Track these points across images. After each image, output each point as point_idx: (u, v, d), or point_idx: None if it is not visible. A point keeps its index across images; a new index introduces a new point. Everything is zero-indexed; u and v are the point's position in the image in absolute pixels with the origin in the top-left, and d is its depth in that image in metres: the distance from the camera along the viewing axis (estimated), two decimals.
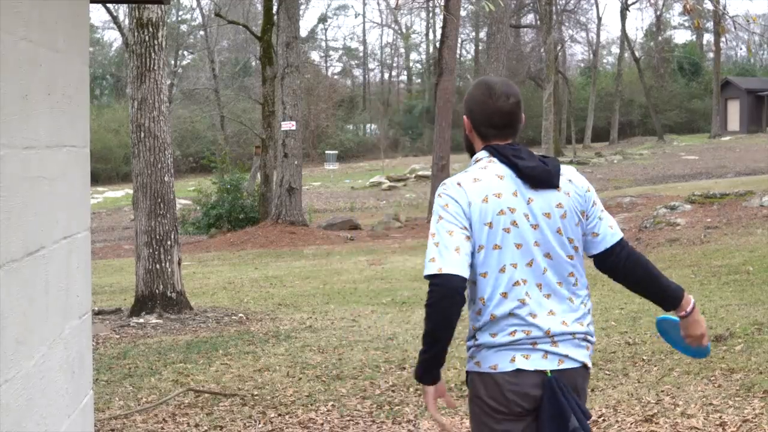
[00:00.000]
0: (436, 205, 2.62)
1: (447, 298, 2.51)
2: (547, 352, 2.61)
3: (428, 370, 2.62)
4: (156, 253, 9.50)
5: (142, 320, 9.11)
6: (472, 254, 2.58)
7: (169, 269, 9.54)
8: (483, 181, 2.62)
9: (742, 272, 9.88)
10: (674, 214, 15.71)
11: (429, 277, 2.54)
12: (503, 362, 2.60)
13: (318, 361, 6.89)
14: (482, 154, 2.71)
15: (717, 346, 6.43)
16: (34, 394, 2.46)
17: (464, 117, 2.76)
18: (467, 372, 2.72)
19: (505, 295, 2.59)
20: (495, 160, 2.66)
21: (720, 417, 4.91)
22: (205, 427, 5.31)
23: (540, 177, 2.63)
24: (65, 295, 2.79)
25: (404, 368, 6.52)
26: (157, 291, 9.48)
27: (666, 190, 22.36)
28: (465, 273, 2.54)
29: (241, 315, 9.40)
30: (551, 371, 2.60)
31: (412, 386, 6.01)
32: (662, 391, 5.48)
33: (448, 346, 2.60)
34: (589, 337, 2.72)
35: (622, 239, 2.79)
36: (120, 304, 10.37)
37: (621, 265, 2.79)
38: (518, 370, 2.59)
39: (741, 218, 14.39)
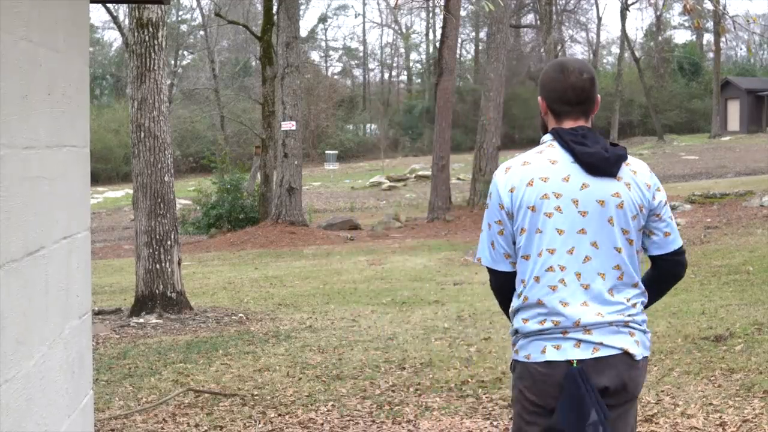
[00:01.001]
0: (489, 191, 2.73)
1: (495, 289, 2.79)
2: (579, 340, 2.54)
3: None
4: (156, 253, 9.50)
5: (142, 320, 9.11)
6: (515, 239, 2.64)
7: (169, 269, 9.54)
8: (532, 164, 2.62)
9: (742, 272, 9.89)
10: (674, 213, 15.71)
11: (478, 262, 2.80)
12: (535, 352, 2.58)
13: (318, 361, 6.89)
14: (546, 137, 2.71)
15: (717, 346, 6.43)
16: (34, 394, 2.46)
17: (539, 98, 2.74)
18: (512, 359, 2.73)
19: (537, 279, 2.58)
20: (555, 144, 2.65)
21: (720, 417, 4.91)
22: (205, 427, 5.31)
23: (597, 164, 2.59)
24: (65, 295, 2.79)
25: (404, 368, 6.52)
26: (157, 291, 9.48)
27: (666, 190, 22.36)
28: (501, 267, 2.68)
29: (241, 315, 9.40)
30: (583, 360, 2.52)
31: (412, 386, 6.01)
32: (662, 391, 5.48)
33: None
34: (633, 324, 2.59)
35: (679, 249, 2.75)
36: (120, 304, 10.37)
37: (658, 273, 2.78)
38: (548, 362, 2.55)
39: (741, 218, 14.40)
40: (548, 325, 2.56)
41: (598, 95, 2.71)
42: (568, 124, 2.67)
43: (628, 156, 2.66)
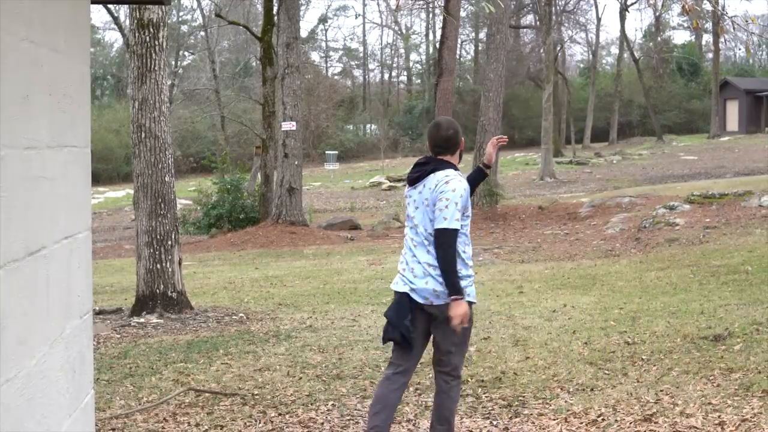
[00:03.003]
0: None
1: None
2: None
3: None
4: (157, 253, 9.51)
5: (142, 320, 9.12)
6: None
7: (170, 269, 9.55)
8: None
9: (741, 272, 9.90)
10: (673, 214, 15.72)
11: None
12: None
13: (318, 360, 6.90)
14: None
15: (716, 346, 6.44)
16: (35, 394, 2.47)
17: (461, 140, 4.42)
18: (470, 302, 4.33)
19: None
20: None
21: (719, 416, 4.92)
22: (206, 427, 5.32)
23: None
24: (66, 294, 2.80)
25: None
26: (157, 291, 9.49)
27: (665, 190, 22.36)
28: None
29: (241, 315, 9.41)
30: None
31: (411, 386, 6.02)
32: (661, 391, 5.50)
33: None
34: None
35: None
36: (121, 304, 10.38)
37: None
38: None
39: (740, 218, 14.41)
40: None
41: (462, 138, 4.41)
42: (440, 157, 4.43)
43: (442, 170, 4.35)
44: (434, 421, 4.47)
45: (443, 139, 4.37)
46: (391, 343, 4.49)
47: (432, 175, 4.33)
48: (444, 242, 4.20)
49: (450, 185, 4.24)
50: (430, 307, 4.29)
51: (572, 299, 9.27)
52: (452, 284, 4.19)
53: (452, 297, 4.19)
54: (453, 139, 4.37)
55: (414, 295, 4.29)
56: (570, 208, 21.17)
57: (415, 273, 4.31)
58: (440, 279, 4.22)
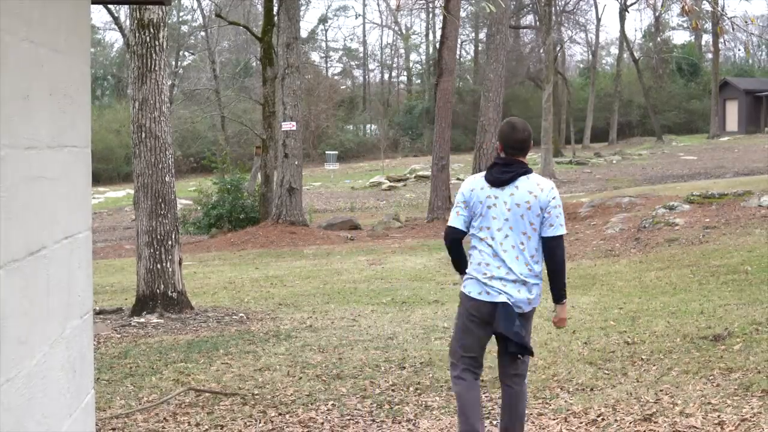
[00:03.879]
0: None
1: None
2: None
3: None
4: (157, 252, 9.51)
5: (143, 320, 9.13)
6: None
7: (170, 269, 9.56)
8: None
9: (741, 272, 9.90)
10: (673, 214, 15.71)
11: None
12: None
13: (318, 360, 6.90)
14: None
15: (716, 346, 6.45)
16: (36, 394, 2.47)
17: (497, 143, 4.46)
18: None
19: None
20: None
21: (718, 416, 4.93)
22: (206, 427, 5.33)
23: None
24: (66, 294, 2.80)
25: (404, 367, 6.53)
26: (158, 291, 9.49)
27: (665, 190, 22.36)
28: None
29: (241, 314, 9.42)
30: None
31: (411, 385, 6.03)
32: (661, 391, 5.50)
33: None
34: None
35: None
36: (121, 304, 10.39)
37: None
38: None
39: (739, 218, 14.40)
40: None
41: (531, 141, 4.44)
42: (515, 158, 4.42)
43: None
44: (508, 424, 4.46)
45: (519, 141, 4.36)
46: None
47: (524, 177, 4.33)
48: (562, 247, 4.36)
49: (555, 191, 4.37)
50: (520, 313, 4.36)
51: (572, 299, 9.26)
52: (563, 287, 4.40)
53: (563, 300, 4.42)
54: (528, 141, 4.40)
55: (511, 305, 4.31)
56: (570, 208, 21.16)
57: (505, 283, 4.29)
58: (532, 287, 4.31)
